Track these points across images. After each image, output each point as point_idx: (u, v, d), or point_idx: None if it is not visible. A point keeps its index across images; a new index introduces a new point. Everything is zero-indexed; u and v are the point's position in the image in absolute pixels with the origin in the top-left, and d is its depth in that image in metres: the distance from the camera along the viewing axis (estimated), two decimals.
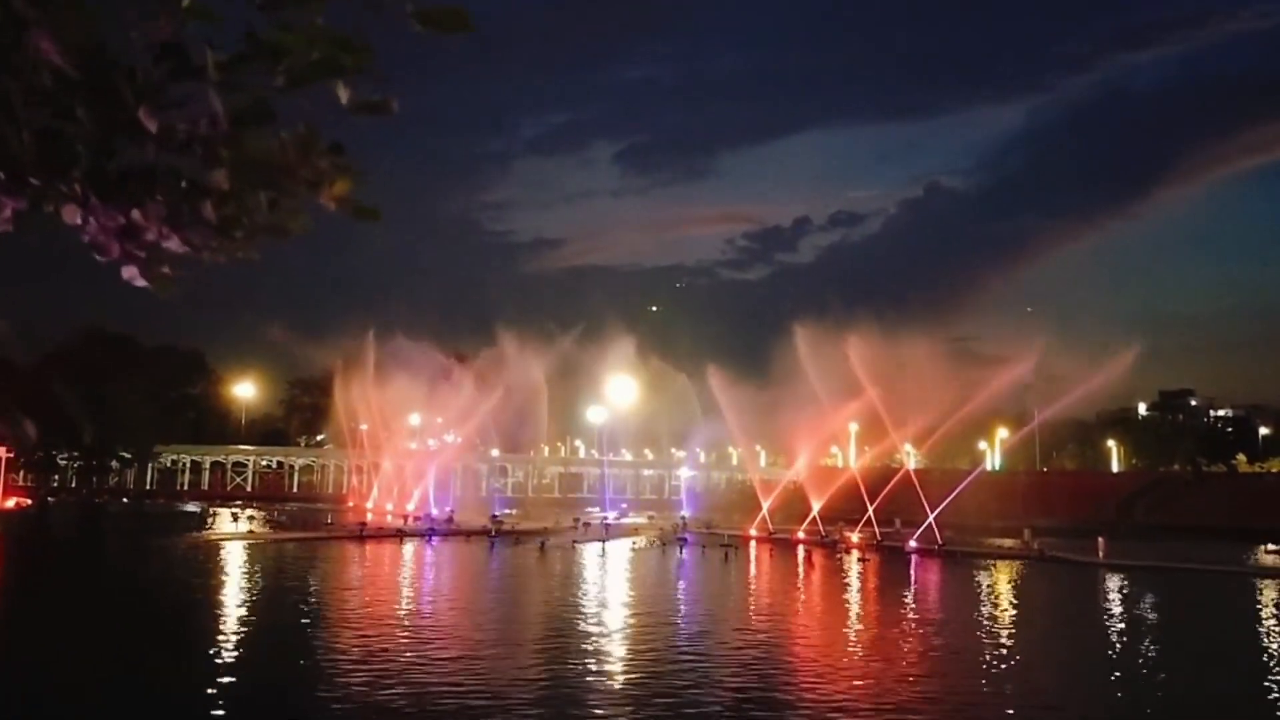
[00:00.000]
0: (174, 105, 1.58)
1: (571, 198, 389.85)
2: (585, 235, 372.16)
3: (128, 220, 1.61)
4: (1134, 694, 20.03)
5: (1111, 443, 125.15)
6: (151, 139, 1.57)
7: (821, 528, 60.06)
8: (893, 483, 62.48)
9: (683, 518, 70.41)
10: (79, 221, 1.63)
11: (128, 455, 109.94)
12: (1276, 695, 20.41)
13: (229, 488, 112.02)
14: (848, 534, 57.81)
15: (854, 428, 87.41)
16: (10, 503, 71.39)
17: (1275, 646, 27.48)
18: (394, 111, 1.64)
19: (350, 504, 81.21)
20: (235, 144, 1.60)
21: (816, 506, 62.85)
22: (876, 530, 57.92)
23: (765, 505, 65.67)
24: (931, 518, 55.67)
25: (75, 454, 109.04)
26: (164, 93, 1.56)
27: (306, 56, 1.58)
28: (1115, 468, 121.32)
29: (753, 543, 59.44)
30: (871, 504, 60.40)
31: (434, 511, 71.27)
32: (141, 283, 1.69)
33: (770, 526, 63.02)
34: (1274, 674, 22.94)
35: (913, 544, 53.39)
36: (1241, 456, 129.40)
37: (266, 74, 1.60)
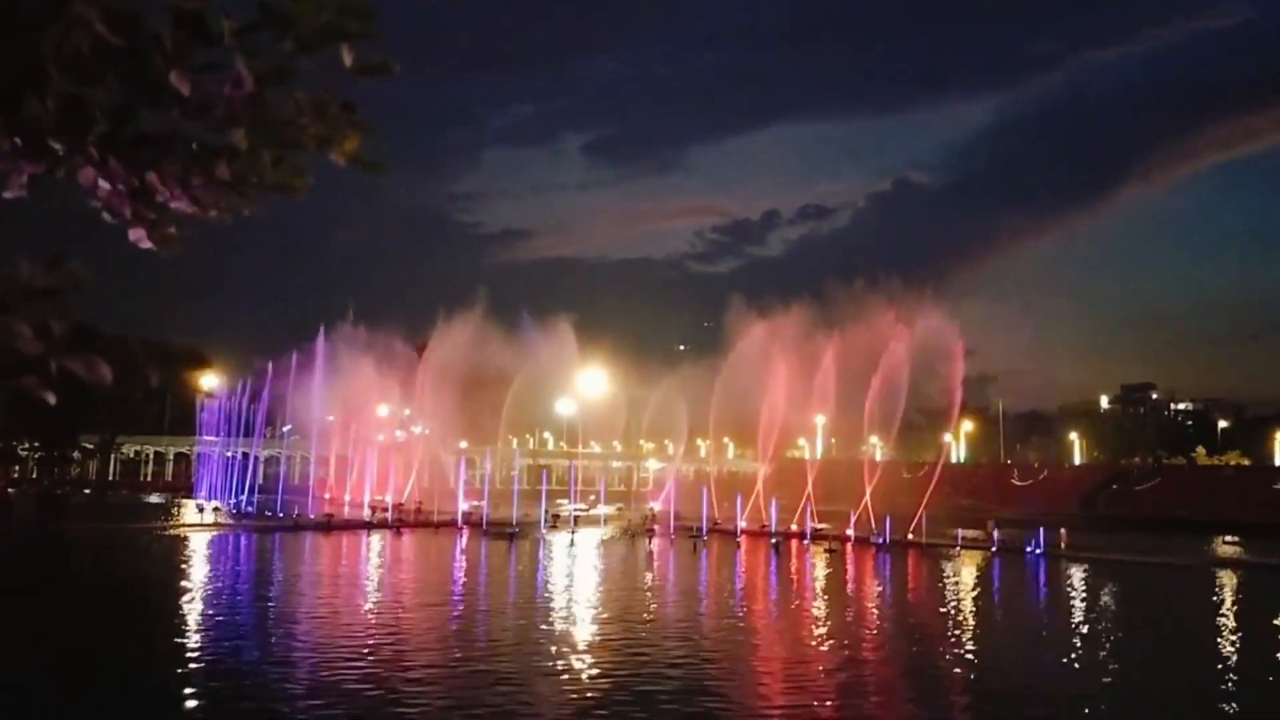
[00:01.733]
0: (201, 70, 1.67)
1: (540, 190, 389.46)
2: (554, 227, 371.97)
3: (141, 182, 1.69)
4: (1092, 678, 20.40)
5: (1074, 435, 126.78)
6: (177, 104, 1.65)
7: (795, 519, 60.39)
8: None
9: (651, 509, 70.57)
10: (92, 186, 1.70)
11: (90, 446, 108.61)
12: (1231, 680, 20.89)
13: (193, 479, 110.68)
14: (815, 525, 58.22)
15: (820, 420, 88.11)
16: None
17: (1229, 634, 28.10)
18: (395, 72, 1.75)
19: (326, 495, 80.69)
20: (257, 105, 1.69)
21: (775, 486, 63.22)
22: (851, 521, 58.32)
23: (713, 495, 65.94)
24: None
25: (36, 444, 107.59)
26: (191, 58, 1.65)
27: (314, 23, 1.67)
28: (1077, 460, 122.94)
29: (721, 534, 59.61)
30: (837, 494, 60.90)
31: (402, 502, 70.96)
32: (148, 244, 1.77)
33: (740, 518, 63.29)
34: (1226, 660, 23.46)
35: (878, 535, 53.82)
36: (1201, 449, 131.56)
37: (277, 40, 1.69)
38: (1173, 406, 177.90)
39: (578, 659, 21.08)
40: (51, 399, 1.73)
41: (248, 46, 1.68)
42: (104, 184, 1.69)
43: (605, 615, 28.03)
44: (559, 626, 25.70)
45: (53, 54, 1.56)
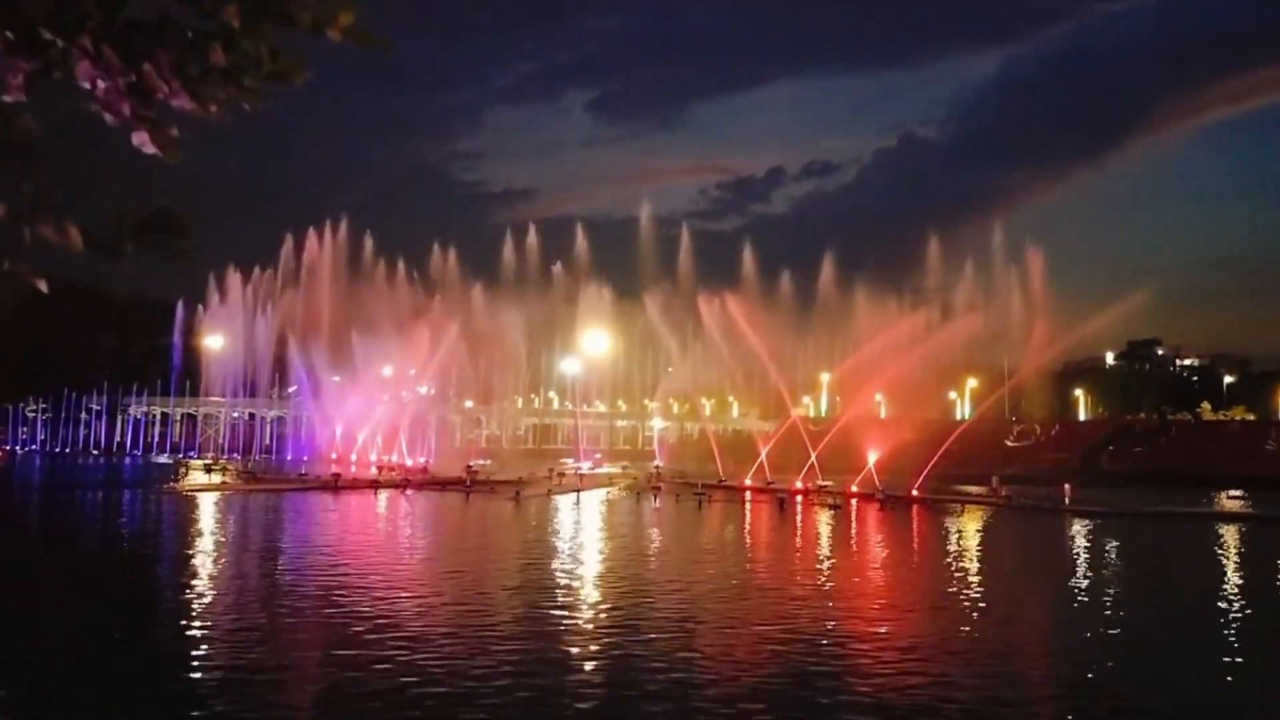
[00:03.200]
0: None
1: (543, 148, 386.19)
2: (557, 186, 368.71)
3: (138, 78, 1.66)
4: (1097, 629, 20.55)
5: (1079, 392, 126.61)
6: None
7: (803, 476, 60.54)
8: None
9: (656, 467, 70.86)
10: (90, 84, 1.67)
11: (97, 408, 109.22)
12: (1232, 632, 21.03)
13: (200, 440, 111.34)
14: (820, 481, 58.43)
15: (825, 378, 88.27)
16: None
17: (1232, 586, 28.26)
18: None
19: (333, 454, 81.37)
20: None
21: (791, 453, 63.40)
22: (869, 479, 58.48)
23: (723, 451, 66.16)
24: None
25: (44, 406, 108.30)
26: None
27: None
28: (1082, 416, 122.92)
29: (726, 491, 59.78)
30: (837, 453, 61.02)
31: (408, 462, 71.38)
32: (151, 149, 1.73)
33: (744, 476, 63.54)
34: (1230, 612, 23.59)
35: (883, 492, 54.01)
36: (1206, 404, 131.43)
37: None
38: (1178, 362, 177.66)
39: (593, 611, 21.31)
40: (43, 286, 1.69)
41: None
42: (101, 82, 1.66)
43: (618, 576, 28.28)
44: (571, 585, 25.94)
45: None
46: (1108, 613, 22.91)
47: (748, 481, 61.61)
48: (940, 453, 57.57)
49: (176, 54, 1.66)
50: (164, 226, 1.74)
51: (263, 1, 1.64)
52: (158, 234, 1.72)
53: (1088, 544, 38.20)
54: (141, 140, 1.73)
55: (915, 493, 53.77)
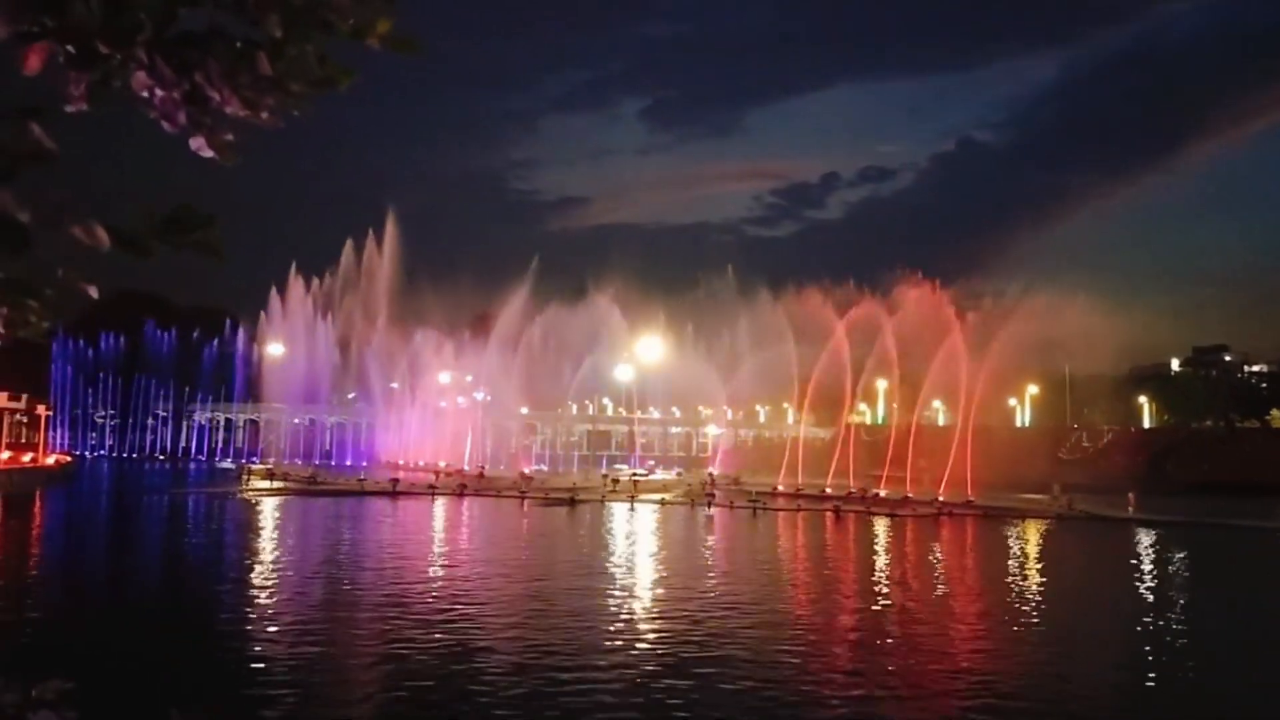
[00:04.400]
0: None
1: (597, 155, 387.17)
2: (611, 193, 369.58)
3: (192, 86, 1.72)
4: (1167, 646, 20.09)
5: (1143, 399, 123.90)
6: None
7: (852, 484, 60.06)
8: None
9: (710, 474, 70.64)
10: (147, 93, 1.74)
11: (163, 414, 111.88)
12: None
13: (262, 445, 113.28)
14: (875, 491, 57.85)
15: (883, 385, 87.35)
16: (51, 459, 72.76)
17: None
18: None
19: (400, 460, 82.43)
20: None
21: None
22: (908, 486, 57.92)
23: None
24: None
25: (112, 412, 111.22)
26: None
27: None
28: (1147, 424, 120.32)
29: (780, 499, 59.49)
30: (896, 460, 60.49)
31: (466, 467, 72.00)
32: (209, 152, 1.80)
33: (799, 484, 63.17)
34: None
35: (941, 501, 53.34)
36: (1275, 412, 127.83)
37: None
38: (1246, 369, 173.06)
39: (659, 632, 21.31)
40: (94, 291, 1.76)
41: None
42: (159, 91, 1.72)
43: (676, 588, 28.29)
44: (628, 600, 25.97)
45: None
46: (1185, 642, 22.05)
47: (802, 489, 61.25)
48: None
49: (226, 63, 1.72)
50: (188, 223, 1.80)
51: (302, 10, 1.70)
52: (182, 232, 1.77)
53: (1156, 558, 37.26)
54: (199, 145, 1.80)
55: (972, 500, 52.99)
